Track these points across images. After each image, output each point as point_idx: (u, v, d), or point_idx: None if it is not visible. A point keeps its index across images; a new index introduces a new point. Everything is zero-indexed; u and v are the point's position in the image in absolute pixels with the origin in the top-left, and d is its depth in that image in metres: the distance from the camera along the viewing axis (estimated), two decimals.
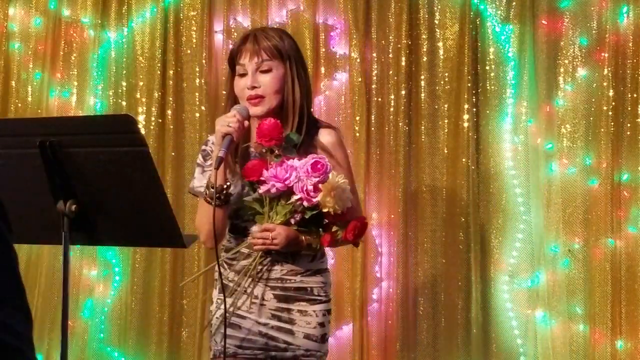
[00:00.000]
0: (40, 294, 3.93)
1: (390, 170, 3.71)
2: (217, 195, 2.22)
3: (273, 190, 2.25)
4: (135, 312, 3.88)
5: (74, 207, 1.88)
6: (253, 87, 2.35)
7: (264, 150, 2.31)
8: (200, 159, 2.46)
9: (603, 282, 3.53)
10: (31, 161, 1.88)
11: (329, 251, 2.92)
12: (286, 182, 2.24)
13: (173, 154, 3.89)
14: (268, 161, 2.29)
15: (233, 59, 2.42)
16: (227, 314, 2.34)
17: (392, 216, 3.69)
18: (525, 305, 3.63)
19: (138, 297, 3.88)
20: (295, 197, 2.26)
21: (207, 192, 2.27)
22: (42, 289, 3.93)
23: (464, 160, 3.66)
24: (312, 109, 2.48)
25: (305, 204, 2.26)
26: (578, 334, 3.56)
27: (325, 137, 2.43)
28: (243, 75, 2.38)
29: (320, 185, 2.24)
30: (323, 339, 2.41)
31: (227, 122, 2.25)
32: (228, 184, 2.28)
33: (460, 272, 3.65)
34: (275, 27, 2.56)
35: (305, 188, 2.24)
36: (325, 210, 2.26)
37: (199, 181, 2.41)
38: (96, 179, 1.90)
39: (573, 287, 3.58)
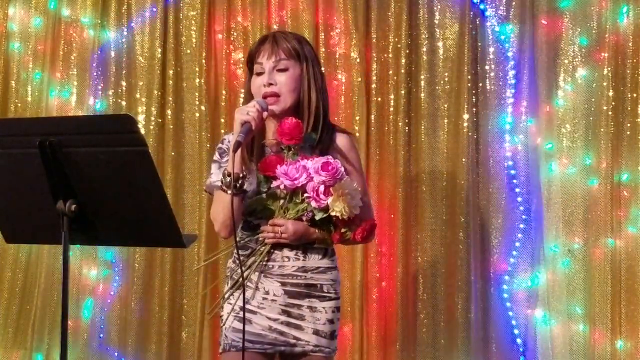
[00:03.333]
0: (40, 294, 3.94)
1: (390, 170, 3.71)
2: (234, 183, 2.25)
3: (282, 187, 2.31)
4: (135, 312, 3.88)
5: (74, 207, 1.88)
6: (269, 85, 2.40)
7: (281, 148, 2.37)
8: (217, 156, 2.49)
9: (603, 282, 3.52)
10: (31, 161, 1.87)
11: None
12: (295, 182, 2.29)
13: (173, 154, 3.90)
14: (285, 158, 2.34)
15: (252, 59, 2.47)
16: (239, 309, 2.37)
17: (392, 216, 3.69)
18: (525, 305, 3.63)
19: (138, 297, 3.88)
20: (305, 195, 2.31)
21: (224, 181, 2.30)
22: (42, 289, 3.93)
23: (464, 160, 3.66)
24: (329, 113, 2.51)
25: (313, 204, 2.30)
26: (578, 334, 3.56)
27: (341, 140, 2.49)
28: (260, 74, 2.43)
29: (331, 189, 2.28)
30: (332, 335, 2.43)
31: (247, 110, 2.31)
32: (245, 173, 2.31)
33: (460, 272, 3.65)
34: (296, 33, 2.60)
35: (316, 189, 2.28)
36: (333, 214, 2.29)
37: (217, 176, 2.43)
38: (96, 179, 1.89)
39: (573, 287, 3.57)
